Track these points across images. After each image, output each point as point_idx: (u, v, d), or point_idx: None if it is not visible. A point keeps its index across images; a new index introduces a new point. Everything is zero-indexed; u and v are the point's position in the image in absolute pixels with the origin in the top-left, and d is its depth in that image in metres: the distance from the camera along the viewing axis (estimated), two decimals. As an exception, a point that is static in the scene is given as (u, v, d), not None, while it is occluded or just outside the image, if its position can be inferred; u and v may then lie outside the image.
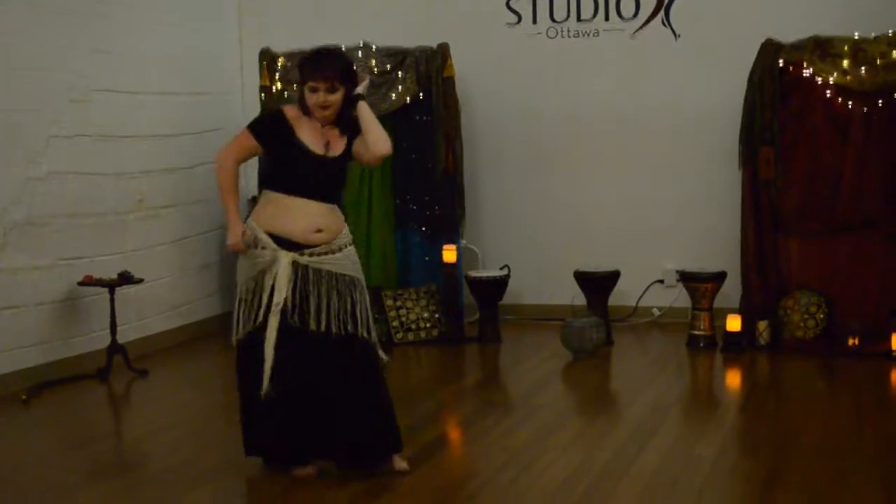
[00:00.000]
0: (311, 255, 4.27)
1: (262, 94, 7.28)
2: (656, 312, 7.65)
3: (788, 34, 6.74)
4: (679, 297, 7.39)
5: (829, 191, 6.67)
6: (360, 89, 4.35)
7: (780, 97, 6.66)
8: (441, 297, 7.21)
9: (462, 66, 7.35)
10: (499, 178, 7.88)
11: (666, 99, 7.51)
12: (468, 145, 7.49)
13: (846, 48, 6.55)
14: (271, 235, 4.26)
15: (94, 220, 6.49)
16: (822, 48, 6.60)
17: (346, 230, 4.42)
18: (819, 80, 6.61)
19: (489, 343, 7.06)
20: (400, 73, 7.18)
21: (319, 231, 4.29)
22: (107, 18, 6.63)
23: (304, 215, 4.27)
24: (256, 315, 4.27)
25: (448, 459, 4.78)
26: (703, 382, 6.36)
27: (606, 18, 7.63)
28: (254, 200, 7.11)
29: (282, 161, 4.30)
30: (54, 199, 6.17)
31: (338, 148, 4.35)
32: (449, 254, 7.15)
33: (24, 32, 6.00)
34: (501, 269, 7.30)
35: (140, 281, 6.40)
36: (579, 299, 7.26)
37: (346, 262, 4.36)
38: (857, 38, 6.56)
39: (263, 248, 4.26)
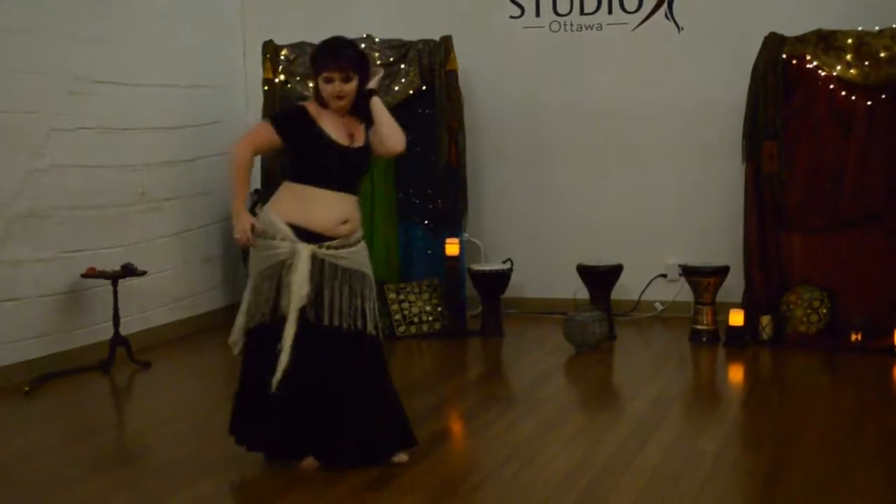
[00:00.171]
0: (328, 247, 4.27)
1: (265, 87, 7.26)
2: (659, 307, 7.64)
3: (792, 27, 6.72)
4: (682, 292, 7.39)
5: (832, 185, 6.66)
6: (372, 84, 4.36)
7: (784, 91, 6.65)
8: (443, 290, 7.21)
9: (465, 60, 7.34)
10: (502, 172, 7.87)
11: (669, 93, 7.50)
12: (471, 138, 7.49)
13: (850, 42, 6.53)
14: (293, 227, 4.25)
15: (96, 212, 6.49)
16: (825, 41, 6.58)
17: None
18: (822, 73, 6.60)
19: (491, 337, 7.05)
20: (403, 65, 7.17)
21: (345, 222, 4.31)
22: (108, 10, 6.62)
23: (332, 207, 4.28)
24: (274, 307, 4.26)
25: (450, 453, 4.77)
26: (706, 377, 6.36)
27: (609, 12, 7.62)
28: (256, 193, 7.12)
29: (307, 153, 4.30)
30: (56, 191, 6.17)
31: (361, 139, 4.37)
32: (451, 247, 7.14)
33: (26, 25, 5.99)
34: (504, 262, 7.29)
35: (143, 273, 6.40)
36: (582, 293, 7.25)
37: (359, 256, 4.36)
38: (860, 31, 6.55)
39: (283, 239, 4.25)
